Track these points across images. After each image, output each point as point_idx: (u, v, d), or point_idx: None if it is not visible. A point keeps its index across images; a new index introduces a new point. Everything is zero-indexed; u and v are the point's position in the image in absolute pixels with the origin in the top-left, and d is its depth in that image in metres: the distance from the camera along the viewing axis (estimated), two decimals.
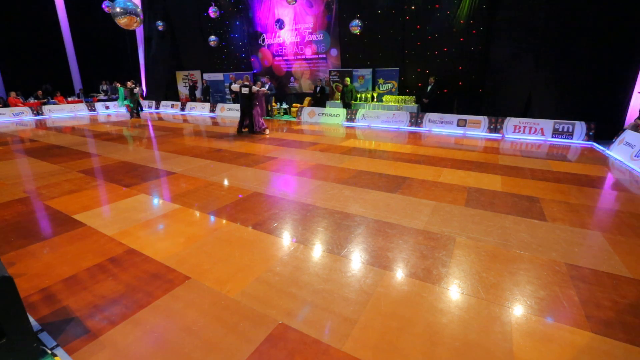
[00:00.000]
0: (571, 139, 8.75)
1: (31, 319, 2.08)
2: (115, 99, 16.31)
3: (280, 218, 3.80)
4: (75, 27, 17.72)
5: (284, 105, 14.46)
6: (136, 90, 13.85)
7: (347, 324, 2.15)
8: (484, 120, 9.91)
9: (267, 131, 9.86)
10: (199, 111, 16.08)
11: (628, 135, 7.05)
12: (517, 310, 2.28)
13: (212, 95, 17.06)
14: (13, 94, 14.40)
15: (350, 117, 11.96)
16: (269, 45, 15.04)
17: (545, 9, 8.92)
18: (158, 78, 19.11)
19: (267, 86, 11.34)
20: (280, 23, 12.96)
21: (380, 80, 12.45)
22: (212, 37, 14.76)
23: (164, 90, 18.94)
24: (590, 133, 8.54)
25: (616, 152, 7.14)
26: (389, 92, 12.26)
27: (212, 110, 15.67)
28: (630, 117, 8.13)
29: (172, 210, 4.05)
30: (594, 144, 8.32)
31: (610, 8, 8.05)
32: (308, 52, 14.04)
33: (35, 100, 15.03)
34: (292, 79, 14.91)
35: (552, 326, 2.14)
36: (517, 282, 2.60)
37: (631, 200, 4.51)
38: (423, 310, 2.28)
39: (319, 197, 4.45)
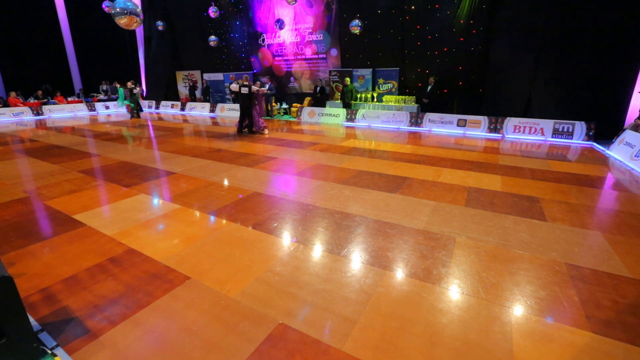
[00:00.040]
0: (571, 139, 8.75)
1: (31, 319, 2.08)
2: (115, 99, 16.32)
3: (280, 218, 3.80)
4: (75, 27, 17.73)
5: (284, 105, 14.47)
6: (136, 91, 13.85)
7: (347, 324, 2.15)
8: (484, 120, 9.91)
9: (266, 131, 9.86)
10: (199, 111, 16.08)
11: (628, 135, 7.05)
12: (517, 310, 2.28)
13: (212, 95, 17.07)
14: (13, 94, 14.41)
15: (350, 117, 11.96)
16: (269, 45, 15.04)
17: (545, 9, 8.92)
18: (158, 78, 19.12)
19: (267, 86, 11.35)
20: (280, 23, 12.96)
21: (380, 80, 12.45)
22: (212, 37, 14.76)
23: (164, 90, 18.94)
24: (590, 133, 8.54)
25: (616, 152, 7.14)
26: (389, 92, 12.26)
27: (212, 110, 15.67)
28: (630, 117, 8.13)
29: (172, 210, 4.05)
30: (594, 144, 8.32)
31: (610, 8, 8.05)
32: (308, 52, 14.04)
33: (35, 100, 15.03)
34: (292, 79, 14.91)
35: (552, 326, 2.14)
36: (517, 282, 2.60)
37: (631, 200, 4.51)
38: (423, 310, 2.28)
39: (319, 197, 4.45)
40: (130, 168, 6.00)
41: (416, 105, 11.19)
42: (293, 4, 12.10)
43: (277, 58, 15.07)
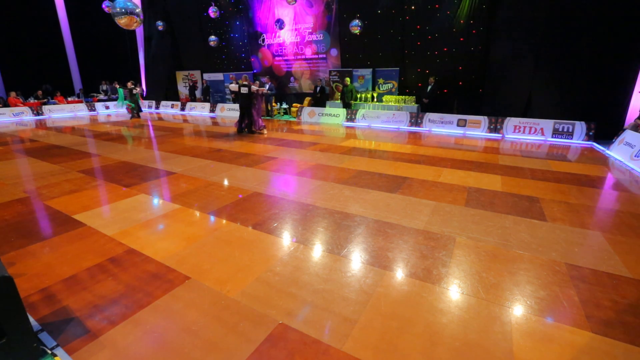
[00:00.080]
0: (571, 139, 8.75)
1: (31, 319, 2.08)
2: (116, 99, 16.33)
3: (280, 218, 3.80)
4: (75, 27, 17.73)
5: (284, 105, 14.47)
6: (135, 91, 13.85)
7: (347, 324, 2.15)
8: (484, 120, 9.91)
9: (265, 131, 9.87)
10: (199, 111, 16.08)
11: (628, 135, 7.05)
12: (517, 310, 2.28)
13: (212, 95, 17.07)
14: (13, 94, 14.40)
15: (350, 117, 11.96)
16: (269, 45, 15.04)
17: (545, 9, 8.92)
18: (158, 78, 19.11)
19: (267, 86, 11.35)
20: (280, 23, 12.96)
21: (380, 80, 12.45)
22: (212, 37, 14.76)
23: (164, 90, 18.95)
24: (590, 133, 8.54)
25: (616, 152, 7.14)
26: (389, 92, 12.26)
27: (212, 110, 15.67)
28: (630, 117, 8.13)
29: (172, 210, 4.05)
30: (594, 144, 8.32)
31: (610, 8, 8.05)
32: (308, 52, 14.04)
33: (35, 100, 15.03)
34: (292, 79, 14.91)
35: (552, 326, 2.14)
36: (517, 282, 2.60)
37: (631, 200, 4.51)
38: (423, 310, 2.28)
39: (319, 197, 4.45)
40: (130, 168, 6.00)
41: (416, 105, 11.19)
42: (293, 4, 12.10)
43: (277, 58, 15.07)
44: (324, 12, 13.05)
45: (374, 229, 3.50)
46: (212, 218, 3.81)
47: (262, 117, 10.25)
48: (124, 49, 19.02)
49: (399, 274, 2.72)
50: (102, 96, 18.00)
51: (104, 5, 12.02)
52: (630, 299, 2.40)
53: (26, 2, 16.01)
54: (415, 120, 10.87)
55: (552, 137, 8.97)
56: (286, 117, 14.03)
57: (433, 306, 2.32)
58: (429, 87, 10.92)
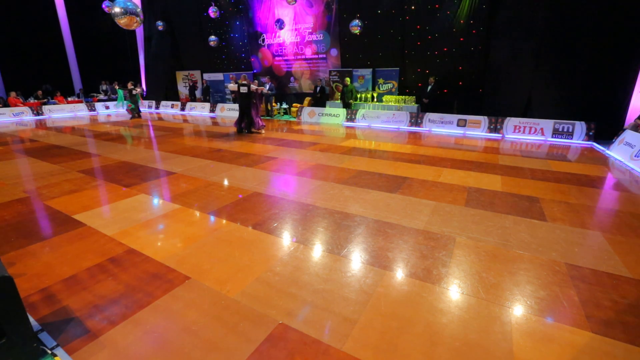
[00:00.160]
0: (571, 139, 8.75)
1: (31, 319, 2.08)
2: (116, 99, 16.33)
3: (280, 218, 3.80)
4: (75, 27, 17.73)
5: (284, 105, 14.47)
6: (135, 92, 13.86)
7: (347, 324, 2.15)
8: (484, 120, 9.91)
9: (263, 130, 9.90)
10: (199, 111, 16.09)
11: (628, 135, 7.05)
12: (517, 310, 2.28)
13: (212, 95, 17.07)
14: (13, 94, 14.41)
15: (350, 117, 11.96)
16: (269, 45, 15.05)
17: (545, 9, 8.92)
18: (158, 78, 19.12)
19: (267, 86, 11.35)
20: (280, 23, 12.96)
21: (380, 80, 12.45)
22: (212, 37, 14.76)
23: (164, 90, 18.95)
24: (590, 133, 8.54)
25: (616, 152, 7.14)
26: (389, 92, 12.26)
27: (212, 110, 15.67)
28: (630, 117, 8.13)
29: (172, 210, 4.05)
30: (594, 144, 8.32)
31: (610, 8, 8.05)
32: (308, 52, 14.04)
33: (35, 100, 15.03)
34: (292, 79, 14.91)
35: (552, 326, 2.14)
36: (517, 282, 2.60)
37: (631, 200, 4.51)
38: (423, 310, 2.28)
39: (319, 197, 4.45)
40: (130, 168, 6.00)
41: (416, 105, 11.19)
42: (293, 4, 12.10)
43: (277, 58, 15.07)
44: (324, 12, 13.05)
45: (374, 229, 3.50)
46: (212, 218, 3.81)
47: (262, 117, 10.26)
48: (124, 49, 19.03)
49: (399, 274, 2.72)
50: (102, 96, 18.00)
51: (104, 5, 12.03)
52: (630, 299, 2.40)
53: (26, 2, 16.01)
54: (415, 120, 10.87)
55: (552, 137, 8.97)
56: (286, 117, 14.03)
57: (433, 306, 2.32)
58: (429, 87, 10.92)
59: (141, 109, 14.92)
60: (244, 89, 9.36)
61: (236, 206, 4.15)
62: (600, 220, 3.84)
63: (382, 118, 11.39)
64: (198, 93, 17.61)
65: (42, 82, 16.33)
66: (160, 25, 15.51)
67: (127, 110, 14.38)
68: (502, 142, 8.75)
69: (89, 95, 17.82)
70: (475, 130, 9.99)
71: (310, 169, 5.91)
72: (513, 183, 5.09)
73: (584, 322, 2.16)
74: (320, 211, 3.98)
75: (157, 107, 18.07)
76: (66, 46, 17.65)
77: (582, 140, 8.62)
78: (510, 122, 9.52)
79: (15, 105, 14.16)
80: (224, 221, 3.72)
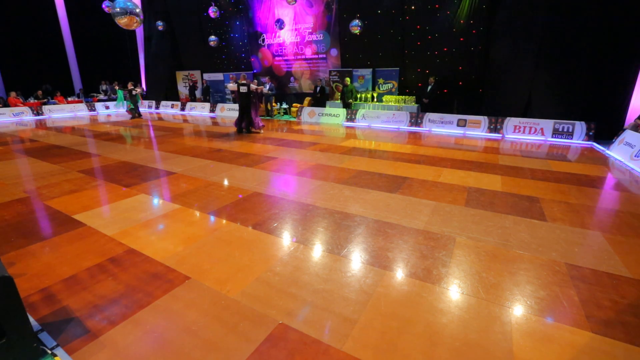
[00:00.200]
0: (571, 139, 8.75)
1: (31, 319, 2.08)
2: (116, 99, 16.34)
3: (280, 218, 3.80)
4: (75, 27, 17.72)
5: (284, 105, 14.46)
6: (135, 92, 13.85)
7: (347, 324, 2.15)
8: (484, 120, 9.91)
9: (262, 130, 9.91)
10: (199, 111, 16.08)
11: (628, 135, 7.05)
12: (517, 310, 2.28)
13: (212, 95, 17.07)
14: (13, 94, 14.40)
15: (350, 117, 11.96)
16: (269, 45, 15.04)
17: (545, 9, 8.91)
18: (158, 78, 19.11)
19: (267, 86, 11.34)
20: (280, 23, 12.96)
21: (380, 80, 12.45)
22: (212, 37, 14.76)
23: (164, 90, 18.94)
24: (590, 133, 8.54)
25: (616, 152, 7.14)
26: (389, 92, 12.26)
27: (212, 110, 15.67)
28: (630, 117, 8.13)
29: (172, 210, 4.05)
30: (594, 144, 8.32)
31: (610, 8, 8.05)
32: (308, 52, 14.04)
33: (35, 100, 15.03)
34: (292, 79, 14.91)
35: (552, 326, 2.14)
36: (517, 282, 2.60)
37: (631, 200, 4.51)
38: (423, 310, 2.28)
39: (319, 197, 4.45)
40: (130, 168, 6.00)
41: (416, 105, 11.19)
42: (293, 4, 12.10)
43: (277, 58, 15.07)
44: (324, 12, 13.05)
45: (374, 229, 3.50)
46: (212, 218, 3.81)
47: (262, 117, 10.26)
48: (124, 49, 19.03)
49: (399, 274, 2.72)
50: (102, 96, 18.00)
51: (104, 5, 12.02)
52: (630, 299, 2.40)
53: (26, 2, 16.01)
54: (415, 120, 10.87)
55: (552, 137, 8.96)
56: (286, 117, 14.03)
57: (433, 306, 2.32)
58: (429, 87, 10.92)
59: (141, 109, 14.91)
60: (243, 89, 9.36)
61: (236, 206, 4.15)
62: (600, 220, 3.84)
63: (382, 118, 11.39)
64: (198, 93, 17.61)
65: (42, 82, 16.33)
66: (160, 25, 15.50)
67: (127, 110, 14.38)
68: (502, 142, 8.75)
69: (89, 95, 17.81)
70: (475, 130, 9.99)
71: (310, 169, 5.91)
72: (513, 183, 5.09)
73: (584, 322, 2.17)
74: (320, 211, 3.98)
75: (157, 107, 18.06)
76: (66, 46, 17.64)
77: (582, 140, 8.62)
78: (510, 122, 9.52)
79: (15, 105, 14.16)
80: (224, 221, 3.72)
